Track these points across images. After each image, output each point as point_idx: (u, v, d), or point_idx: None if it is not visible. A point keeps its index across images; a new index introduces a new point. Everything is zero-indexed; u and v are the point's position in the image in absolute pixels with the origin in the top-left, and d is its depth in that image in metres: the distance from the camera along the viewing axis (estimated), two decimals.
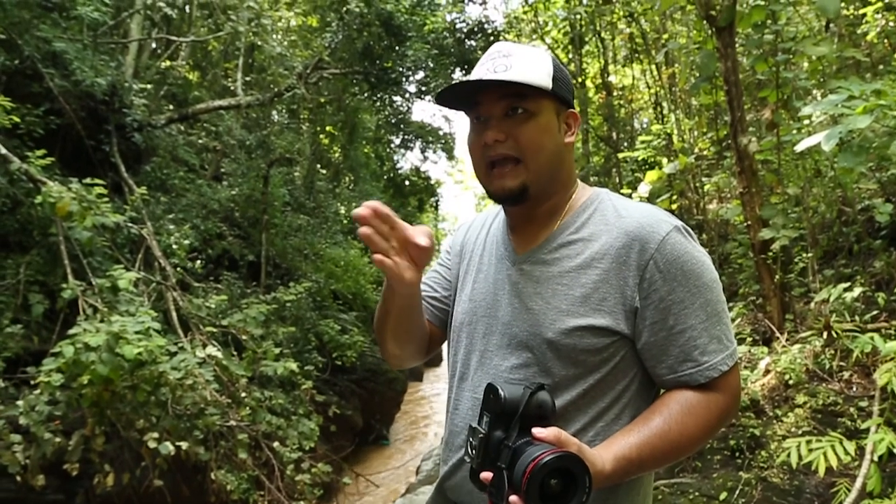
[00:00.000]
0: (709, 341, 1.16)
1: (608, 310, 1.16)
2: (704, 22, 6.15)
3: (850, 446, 3.18)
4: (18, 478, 3.83)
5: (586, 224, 1.24)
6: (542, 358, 1.18)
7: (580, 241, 1.22)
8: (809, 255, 5.53)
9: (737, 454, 4.34)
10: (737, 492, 3.94)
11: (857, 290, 4.63)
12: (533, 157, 1.21)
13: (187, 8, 10.77)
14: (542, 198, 1.26)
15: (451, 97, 1.27)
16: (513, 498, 0.96)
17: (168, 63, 10.68)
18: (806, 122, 5.42)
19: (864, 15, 6.48)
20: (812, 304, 5.25)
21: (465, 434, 1.15)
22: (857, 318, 4.67)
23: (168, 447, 4.26)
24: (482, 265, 1.37)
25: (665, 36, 10.05)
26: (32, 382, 4.06)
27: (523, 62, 1.20)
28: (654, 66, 10.41)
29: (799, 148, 3.90)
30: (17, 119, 4.77)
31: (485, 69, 1.21)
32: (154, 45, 10.52)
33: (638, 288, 1.16)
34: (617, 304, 1.16)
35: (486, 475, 1.03)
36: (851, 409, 4.17)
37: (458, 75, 12.03)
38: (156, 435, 4.26)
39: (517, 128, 1.20)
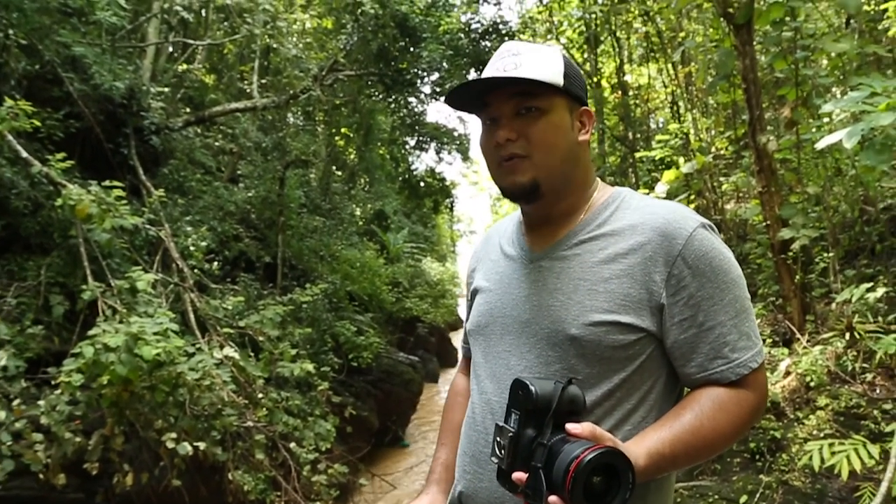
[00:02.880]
0: (738, 338, 1.14)
1: (633, 306, 1.14)
2: (722, 19, 6.09)
3: (875, 449, 3.13)
4: (41, 476, 3.88)
5: (609, 220, 1.22)
6: (565, 355, 1.15)
7: (602, 237, 1.20)
8: (830, 254, 5.45)
9: (757, 457, 4.29)
10: (757, 495, 3.89)
11: (881, 291, 4.56)
12: (544, 155, 1.19)
13: (204, 12, 10.86)
14: (558, 196, 1.24)
15: (460, 99, 1.26)
16: (553, 498, 0.93)
17: (185, 66, 10.77)
18: (826, 119, 5.34)
19: (886, 10, 6.37)
20: (833, 305, 5.17)
21: (481, 440, 1.12)
22: (880, 318, 4.60)
23: (186, 447, 4.28)
24: (496, 268, 1.35)
25: (681, 34, 9.96)
26: (53, 382, 4.11)
27: (533, 60, 1.18)
28: (670, 65, 10.32)
29: (819, 146, 3.84)
30: (37, 123, 4.83)
31: (494, 69, 1.20)
32: (171, 49, 10.62)
33: (665, 284, 1.14)
34: (642, 301, 1.14)
35: (520, 475, 0.99)
36: (875, 412, 4.10)
37: (472, 76, 12.02)
38: (174, 435, 4.29)
39: (528, 126, 1.18)
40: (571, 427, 0.98)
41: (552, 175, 1.21)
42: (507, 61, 1.19)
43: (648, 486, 1.15)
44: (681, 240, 1.14)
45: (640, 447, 1.05)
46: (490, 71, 1.20)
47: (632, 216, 1.20)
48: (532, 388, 1.01)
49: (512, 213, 1.46)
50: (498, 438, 1.05)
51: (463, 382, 1.53)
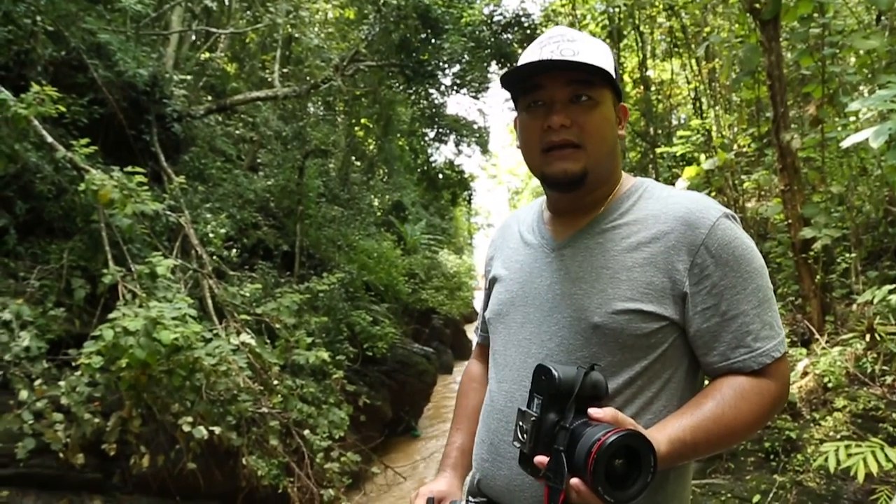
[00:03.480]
0: (761, 327, 1.13)
1: (655, 294, 1.14)
2: (748, 15, 6.00)
3: (892, 453, 3.09)
4: (60, 455, 3.96)
5: (631, 209, 1.22)
6: (588, 343, 1.15)
7: (625, 226, 1.20)
8: (853, 255, 5.37)
9: (771, 456, 4.25)
10: (770, 495, 3.86)
11: None
12: (596, 146, 1.19)
13: (227, 0, 10.92)
14: (595, 186, 1.24)
15: (511, 78, 1.24)
16: (574, 480, 0.94)
17: (207, 54, 10.84)
18: (852, 118, 5.25)
19: None
20: (854, 306, 5.10)
21: (501, 428, 1.12)
22: None
23: (201, 431, 4.35)
24: (516, 256, 1.35)
25: (706, 29, 9.83)
26: (74, 364, 4.19)
27: (590, 49, 1.18)
28: (693, 61, 10.19)
29: (845, 144, 3.78)
30: (63, 108, 4.89)
31: (549, 52, 1.18)
32: (194, 37, 10.69)
33: (688, 273, 1.13)
34: (665, 289, 1.14)
35: (542, 459, 1.00)
36: (894, 415, 4.04)
37: (494, 69, 11.96)
38: (190, 419, 4.36)
39: (583, 115, 1.18)
40: (594, 411, 0.99)
41: (598, 166, 1.21)
42: (565, 46, 1.18)
43: (668, 474, 1.16)
44: (704, 229, 1.14)
45: (662, 434, 1.05)
46: (545, 53, 1.19)
47: (654, 205, 1.20)
48: (555, 372, 1.02)
49: (532, 202, 1.46)
50: (520, 423, 1.06)
51: (477, 369, 1.54)
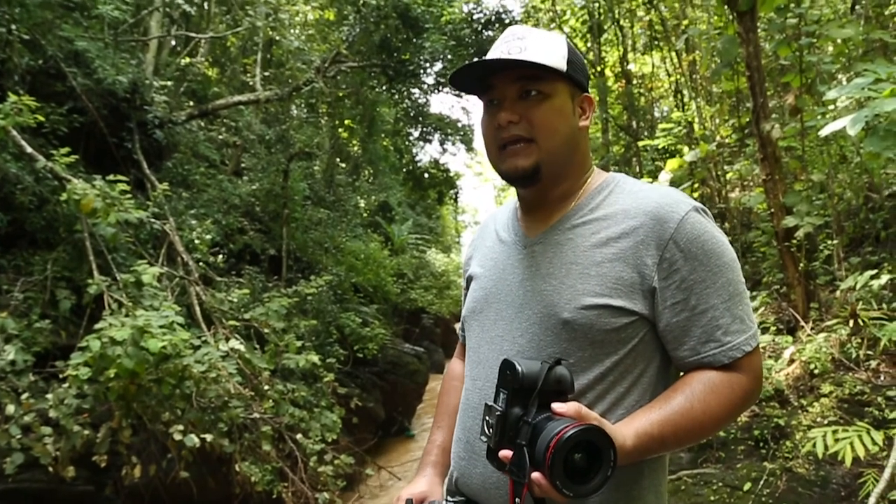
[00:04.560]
0: (731, 321, 1.14)
1: (624, 289, 1.14)
2: (725, 7, 6.05)
3: (878, 436, 3.14)
4: (50, 469, 3.92)
5: (602, 205, 1.23)
6: (558, 339, 1.16)
7: (595, 221, 1.21)
8: (835, 242, 5.44)
9: (761, 444, 4.30)
10: (761, 482, 3.90)
11: (885, 278, 4.55)
12: (546, 139, 1.20)
13: (206, 5, 10.85)
14: (556, 180, 1.25)
15: (465, 80, 1.27)
16: (535, 475, 0.94)
17: (187, 60, 10.77)
18: (831, 106, 5.32)
19: None
20: (838, 293, 5.17)
21: (475, 427, 1.13)
22: (884, 305, 4.59)
23: (193, 439, 4.32)
24: (491, 253, 1.36)
25: (685, 22, 9.90)
26: (61, 376, 4.15)
27: (538, 44, 1.19)
28: (674, 54, 10.26)
29: (823, 133, 3.83)
30: (41, 118, 4.84)
31: (499, 52, 1.21)
32: (174, 43, 10.62)
33: (657, 267, 1.14)
34: (634, 284, 1.14)
35: (506, 453, 1.00)
36: (879, 399, 4.10)
37: None
38: (181, 427, 4.33)
39: (531, 109, 1.19)
40: (557, 406, 0.99)
41: (553, 159, 1.22)
42: (513, 44, 1.20)
43: (642, 468, 1.17)
44: (673, 223, 1.14)
45: (629, 428, 1.06)
46: (495, 53, 1.21)
47: (625, 200, 1.21)
48: (519, 367, 1.02)
49: (509, 200, 1.47)
50: (487, 417, 1.07)
51: (459, 367, 1.55)
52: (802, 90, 5.60)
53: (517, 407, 1.02)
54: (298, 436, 5.31)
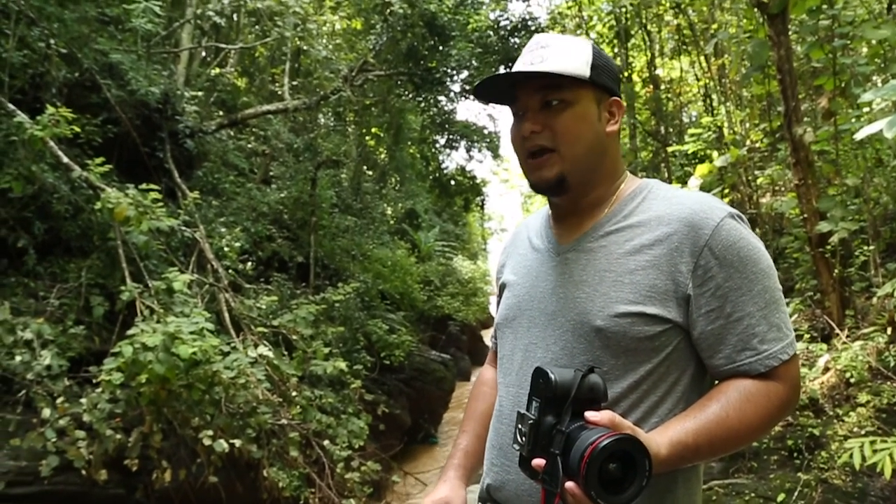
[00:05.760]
0: (768, 329, 1.12)
1: (658, 297, 1.13)
2: (755, 9, 5.96)
3: None
4: (83, 472, 3.99)
5: (635, 212, 1.21)
6: (591, 347, 1.15)
7: (629, 228, 1.19)
8: (871, 248, 5.30)
9: (795, 455, 4.20)
10: (795, 493, 3.80)
11: None
12: (569, 147, 1.19)
13: (235, 16, 11.03)
14: (586, 188, 1.24)
15: (491, 92, 1.28)
16: (569, 484, 0.93)
17: (217, 70, 10.96)
18: (866, 109, 5.19)
19: None
20: (874, 300, 5.03)
21: (508, 433, 1.13)
22: None
23: (222, 444, 4.37)
24: (524, 261, 1.35)
25: (714, 26, 9.79)
26: (94, 381, 4.23)
27: (560, 52, 1.19)
28: (702, 58, 10.14)
29: (859, 136, 3.74)
30: (77, 129, 4.96)
31: (523, 62, 1.22)
32: (204, 54, 10.81)
33: (692, 275, 1.12)
34: (668, 291, 1.13)
35: (539, 462, 1.00)
36: None
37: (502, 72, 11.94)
38: (210, 432, 4.38)
39: (553, 118, 1.19)
40: (590, 414, 0.98)
41: (578, 167, 1.21)
42: (535, 54, 1.20)
43: (676, 478, 1.15)
44: (707, 230, 1.13)
45: (664, 436, 1.05)
46: (520, 64, 1.22)
47: (658, 207, 1.20)
48: (551, 375, 1.02)
49: (542, 208, 1.47)
50: (519, 426, 1.06)
51: (490, 373, 1.54)
52: (836, 93, 5.48)
53: (550, 415, 1.01)
54: (325, 442, 5.33)
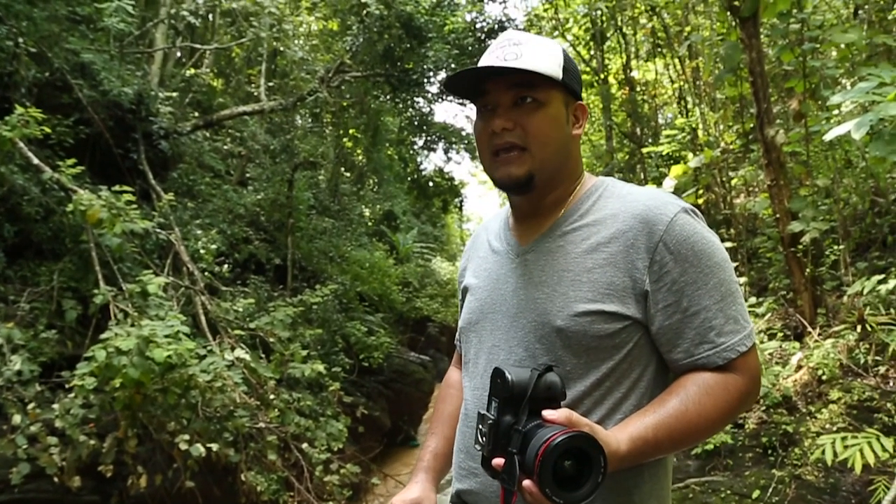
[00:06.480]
0: (725, 322, 1.13)
1: (617, 294, 1.14)
2: (728, 13, 6.06)
3: (888, 443, 3.11)
4: (56, 479, 3.92)
5: (591, 210, 1.22)
6: (552, 347, 1.16)
7: (585, 227, 1.20)
8: (841, 247, 5.41)
9: (769, 452, 4.26)
10: (770, 490, 3.87)
11: (892, 283, 4.51)
12: (540, 147, 1.19)
13: (210, 16, 10.92)
14: (548, 188, 1.24)
15: (459, 85, 1.27)
16: (526, 482, 0.94)
17: (192, 71, 10.84)
18: (835, 111, 5.30)
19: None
20: (845, 298, 5.14)
21: (474, 436, 1.14)
22: (892, 310, 4.56)
23: (199, 449, 4.32)
24: (485, 264, 1.36)
25: (688, 29, 9.91)
26: (67, 386, 4.15)
27: (533, 51, 1.18)
28: (677, 60, 10.27)
29: (828, 137, 3.81)
30: (48, 130, 4.88)
31: (494, 57, 1.20)
32: (178, 54, 10.69)
33: (648, 271, 1.13)
34: (626, 288, 1.14)
35: (498, 461, 1.00)
36: (888, 405, 4.07)
37: None
38: (187, 437, 4.33)
39: (525, 117, 1.19)
40: (547, 413, 0.99)
41: (546, 167, 1.21)
42: (509, 50, 1.19)
43: (642, 473, 1.16)
44: (661, 226, 1.14)
45: (623, 432, 1.06)
46: (490, 59, 1.20)
47: (613, 204, 1.21)
48: (508, 375, 1.02)
49: (500, 209, 1.47)
50: (480, 426, 1.07)
51: (455, 375, 1.55)
52: (806, 95, 5.59)
53: (508, 415, 1.02)
54: (304, 445, 5.30)
